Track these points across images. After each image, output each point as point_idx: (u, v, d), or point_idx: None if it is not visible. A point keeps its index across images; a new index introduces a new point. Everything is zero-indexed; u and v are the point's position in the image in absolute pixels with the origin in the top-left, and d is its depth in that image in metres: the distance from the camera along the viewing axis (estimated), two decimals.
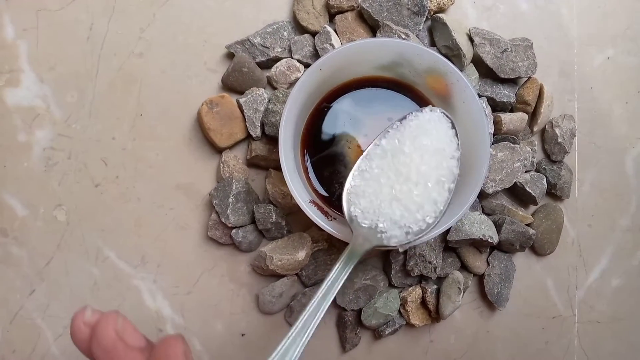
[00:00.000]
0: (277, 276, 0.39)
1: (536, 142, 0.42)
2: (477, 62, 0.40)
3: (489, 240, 0.38)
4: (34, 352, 0.38)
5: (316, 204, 0.34)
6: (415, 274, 0.38)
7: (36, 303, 0.38)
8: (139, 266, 0.39)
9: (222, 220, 0.37)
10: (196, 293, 0.39)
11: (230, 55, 0.40)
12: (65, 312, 0.39)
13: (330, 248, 0.39)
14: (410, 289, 0.39)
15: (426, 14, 0.39)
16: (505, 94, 0.40)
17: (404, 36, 0.38)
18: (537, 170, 0.42)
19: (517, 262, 0.42)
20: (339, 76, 0.34)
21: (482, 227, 0.38)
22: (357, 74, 0.35)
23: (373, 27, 0.40)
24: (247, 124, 0.38)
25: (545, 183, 0.41)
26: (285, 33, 0.40)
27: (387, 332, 0.39)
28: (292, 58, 0.39)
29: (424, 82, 0.34)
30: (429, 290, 0.39)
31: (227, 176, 0.38)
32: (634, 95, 0.44)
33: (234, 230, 0.38)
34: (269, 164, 0.39)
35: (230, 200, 0.37)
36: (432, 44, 0.41)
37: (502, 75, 0.40)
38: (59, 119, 0.39)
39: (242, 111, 0.38)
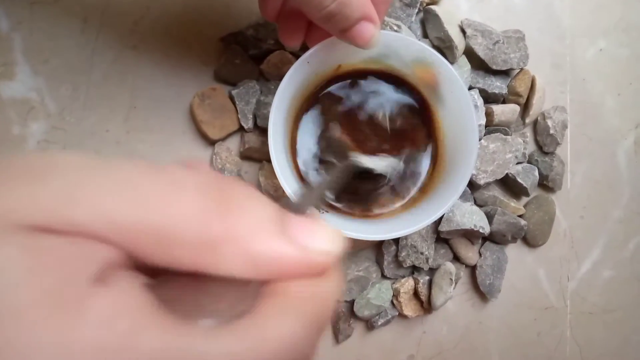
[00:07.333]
0: None
1: (528, 134, 0.42)
2: (469, 53, 0.40)
3: (480, 230, 0.38)
4: None
5: None
6: (408, 265, 0.39)
7: None
8: None
9: None
10: None
11: (223, 48, 0.40)
12: None
13: None
14: (402, 280, 0.40)
15: (418, 5, 0.40)
16: (497, 85, 0.40)
17: (395, 28, 0.38)
18: (529, 162, 0.42)
19: (509, 253, 0.42)
20: (327, 69, 0.35)
21: (474, 218, 0.38)
22: (346, 66, 0.35)
23: None
24: (239, 116, 0.38)
25: (537, 174, 0.41)
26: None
27: (379, 323, 0.39)
28: (284, 50, 0.39)
29: (413, 72, 0.34)
30: (421, 281, 0.39)
31: (219, 168, 0.38)
32: (626, 87, 0.44)
33: None
34: (262, 156, 0.39)
35: None
36: (425, 35, 0.41)
37: (494, 67, 0.40)
38: (54, 112, 0.39)
39: (234, 103, 0.38)
